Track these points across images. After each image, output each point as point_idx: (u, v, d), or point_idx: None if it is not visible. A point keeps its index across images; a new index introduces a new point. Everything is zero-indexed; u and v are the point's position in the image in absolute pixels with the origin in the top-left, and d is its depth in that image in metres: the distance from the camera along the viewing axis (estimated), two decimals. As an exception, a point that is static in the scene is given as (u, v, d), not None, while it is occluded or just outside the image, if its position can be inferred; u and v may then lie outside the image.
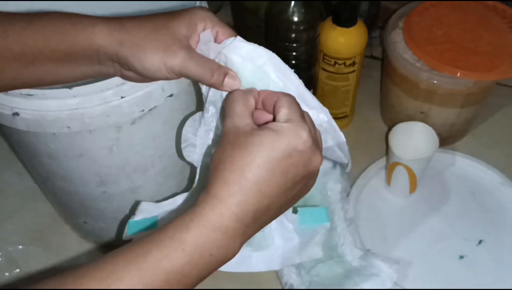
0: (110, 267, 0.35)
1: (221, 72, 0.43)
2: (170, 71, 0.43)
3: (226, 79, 0.43)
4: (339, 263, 0.61)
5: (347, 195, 0.69)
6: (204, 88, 0.47)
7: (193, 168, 0.52)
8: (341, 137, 0.47)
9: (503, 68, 0.66)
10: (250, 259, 0.48)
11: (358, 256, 0.61)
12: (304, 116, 0.40)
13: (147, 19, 0.44)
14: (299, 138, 0.38)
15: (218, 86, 0.44)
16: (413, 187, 0.70)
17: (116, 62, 0.44)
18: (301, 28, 0.64)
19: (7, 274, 0.67)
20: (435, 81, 0.67)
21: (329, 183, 0.67)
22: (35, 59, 0.43)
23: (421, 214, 0.70)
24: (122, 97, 0.48)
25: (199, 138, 0.49)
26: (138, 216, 0.51)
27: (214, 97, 0.46)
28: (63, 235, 0.70)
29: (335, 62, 0.70)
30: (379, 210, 0.70)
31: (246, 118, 0.40)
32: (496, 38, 0.69)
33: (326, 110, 0.45)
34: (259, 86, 0.44)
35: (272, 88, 0.44)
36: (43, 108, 0.47)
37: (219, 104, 0.47)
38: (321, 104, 0.45)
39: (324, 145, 0.45)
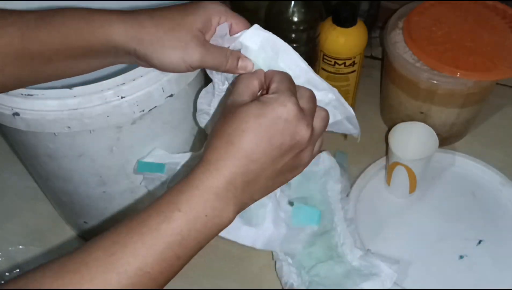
0: (114, 236, 0.37)
1: (234, 57, 0.46)
2: (189, 66, 0.45)
3: (240, 63, 0.46)
4: (339, 263, 0.61)
5: (347, 195, 0.69)
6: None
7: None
8: (350, 111, 0.49)
9: (503, 68, 0.66)
10: (238, 230, 0.50)
11: (358, 256, 0.61)
12: (292, 90, 0.42)
13: (163, 16, 0.45)
14: (283, 106, 0.40)
15: (233, 70, 0.46)
16: (413, 187, 0.70)
17: (133, 56, 0.45)
18: (301, 28, 0.64)
19: (7, 274, 0.67)
20: (435, 81, 0.67)
21: (329, 183, 0.67)
22: (53, 57, 0.44)
23: (421, 214, 0.70)
24: (122, 97, 0.48)
25: (212, 107, 0.51)
26: (148, 159, 0.55)
27: (230, 79, 0.48)
28: (63, 235, 0.70)
29: (335, 62, 0.70)
30: (379, 210, 0.70)
31: (245, 96, 0.42)
32: (496, 38, 0.69)
33: (335, 89, 0.47)
34: None
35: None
36: (43, 108, 0.47)
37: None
38: (330, 86, 0.47)
39: (333, 120, 0.48)
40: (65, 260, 0.37)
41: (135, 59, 0.46)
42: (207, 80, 0.52)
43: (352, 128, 0.51)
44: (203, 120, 0.52)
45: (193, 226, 0.38)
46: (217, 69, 0.46)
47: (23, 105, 0.47)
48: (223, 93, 0.51)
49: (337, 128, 0.51)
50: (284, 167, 0.42)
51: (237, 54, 0.46)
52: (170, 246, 0.38)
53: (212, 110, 0.52)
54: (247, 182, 0.40)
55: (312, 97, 0.43)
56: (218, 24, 0.46)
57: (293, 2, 0.63)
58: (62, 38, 0.43)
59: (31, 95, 0.47)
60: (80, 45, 0.44)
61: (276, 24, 0.65)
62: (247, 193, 0.41)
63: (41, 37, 0.43)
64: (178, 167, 0.54)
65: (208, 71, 0.50)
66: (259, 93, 0.45)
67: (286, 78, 0.43)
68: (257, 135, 0.39)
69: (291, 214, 0.53)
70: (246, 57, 0.46)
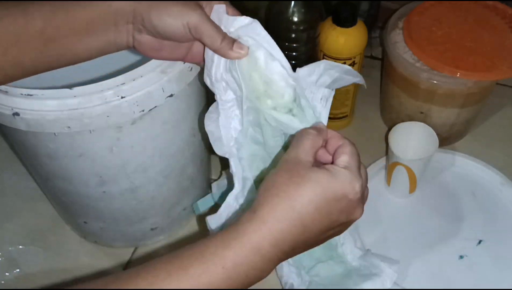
0: (151, 278, 0.36)
1: (230, 39, 0.45)
2: (186, 26, 0.44)
3: (235, 47, 0.45)
4: (339, 263, 0.61)
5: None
6: (213, 71, 0.48)
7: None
8: (344, 66, 0.49)
9: (503, 68, 0.66)
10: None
11: (358, 256, 0.61)
12: (360, 169, 0.42)
13: None
14: (352, 187, 0.40)
15: (225, 52, 0.45)
16: (413, 187, 0.70)
17: (130, 24, 0.44)
18: (301, 28, 0.64)
19: (7, 274, 0.67)
20: (435, 81, 0.67)
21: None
22: (55, 34, 0.43)
23: (421, 214, 0.70)
24: (122, 97, 0.48)
25: (222, 128, 0.49)
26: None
27: (227, 77, 0.47)
28: (63, 235, 0.70)
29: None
30: (379, 210, 0.70)
31: (310, 156, 0.41)
32: (496, 38, 0.69)
33: (326, 61, 0.48)
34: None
35: (260, 74, 0.46)
36: (43, 108, 0.47)
37: (235, 88, 0.48)
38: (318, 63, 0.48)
39: (332, 79, 0.48)
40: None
41: (132, 30, 0.45)
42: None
43: (352, 78, 0.50)
44: (218, 147, 0.50)
45: (231, 283, 0.38)
46: (212, 43, 0.45)
47: (23, 105, 0.47)
48: (229, 104, 0.49)
49: (340, 84, 0.50)
50: (328, 237, 0.43)
51: (233, 38, 0.46)
52: None
53: (222, 131, 0.50)
54: (294, 248, 0.40)
55: (365, 173, 0.44)
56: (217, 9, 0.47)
57: (293, 2, 0.63)
58: (64, 12, 0.43)
59: (31, 95, 0.47)
60: (81, 17, 0.43)
61: (276, 24, 0.65)
62: (290, 256, 0.41)
63: (45, 12, 0.43)
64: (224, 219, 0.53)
65: (208, 81, 0.49)
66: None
67: (356, 153, 0.43)
68: (320, 208, 0.39)
69: None
70: (243, 44, 0.45)
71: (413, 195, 0.72)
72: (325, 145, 0.44)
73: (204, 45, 0.46)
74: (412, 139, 0.69)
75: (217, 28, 0.45)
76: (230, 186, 0.55)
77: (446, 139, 0.77)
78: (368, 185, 0.72)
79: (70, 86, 0.47)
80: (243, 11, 0.87)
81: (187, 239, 0.69)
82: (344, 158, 0.42)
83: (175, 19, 0.43)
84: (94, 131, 0.50)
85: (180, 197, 0.66)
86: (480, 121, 0.80)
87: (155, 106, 0.51)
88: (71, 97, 0.47)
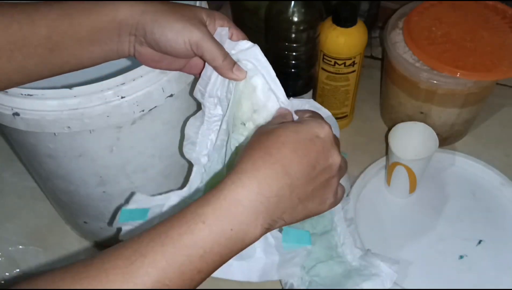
0: (136, 245, 0.36)
1: (231, 60, 0.46)
2: (187, 42, 0.44)
3: (235, 68, 0.46)
4: (339, 263, 0.61)
5: (347, 195, 0.69)
6: (208, 88, 0.48)
7: (191, 166, 0.53)
8: (326, 112, 0.51)
9: (503, 68, 0.66)
10: (230, 266, 0.46)
11: (358, 256, 0.61)
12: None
13: (170, 2, 0.46)
14: (321, 127, 0.41)
15: (226, 71, 0.46)
16: (413, 187, 0.70)
17: (133, 36, 0.45)
18: (301, 28, 0.64)
19: (7, 274, 0.67)
20: (435, 81, 0.67)
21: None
22: (60, 42, 0.44)
23: (421, 214, 0.70)
24: (122, 97, 0.48)
25: (200, 135, 0.50)
26: (131, 205, 0.52)
27: (223, 96, 0.48)
28: (63, 235, 0.70)
29: (335, 62, 0.70)
30: (379, 210, 0.70)
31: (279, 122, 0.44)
32: (496, 38, 0.69)
33: (312, 101, 0.50)
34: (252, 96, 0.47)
35: (255, 101, 0.48)
36: (43, 108, 0.47)
37: (224, 106, 0.48)
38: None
39: None
40: (85, 265, 0.36)
41: (134, 42, 0.46)
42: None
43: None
44: (189, 150, 0.51)
45: (217, 240, 0.36)
46: (213, 60, 0.45)
47: (23, 105, 0.47)
48: (215, 118, 0.49)
49: None
50: (315, 192, 0.42)
51: (234, 60, 0.47)
52: (191, 259, 0.36)
53: (199, 138, 0.50)
54: (279, 197, 0.39)
55: (338, 137, 0.45)
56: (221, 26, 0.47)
57: (293, 2, 0.63)
58: (70, 20, 0.44)
59: (31, 95, 0.47)
60: (87, 25, 0.44)
61: (276, 24, 0.65)
62: (278, 209, 0.39)
63: (51, 20, 0.43)
64: (164, 209, 0.52)
65: (199, 95, 0.49)
66: None
67: (317, 113, 0.45)
68: (296, 149, 0.39)
69: (282, 238, 0.50)
70: (241, 68, 0.46)
71: (413, 195, 0.72)
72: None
73: (205, 61, 0.47)
74: (412, 139, 0.69)
75: (219, 46, 0.46)
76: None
77: (446, 139, 0.77)
78: (368, 185, 0.73)
79: (70, 86, 0.47)
80: (243, 11, 0.88)
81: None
82: (307, 114, 0.45)
83: (177, 35, 0.44)
84: (94, 131, 0.50)
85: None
86: (480, 121, 0.80)
87: (155, 106, 0.51)
88: (71, 97, 0.47)
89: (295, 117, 0.47)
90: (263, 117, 0.48)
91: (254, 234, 0.38)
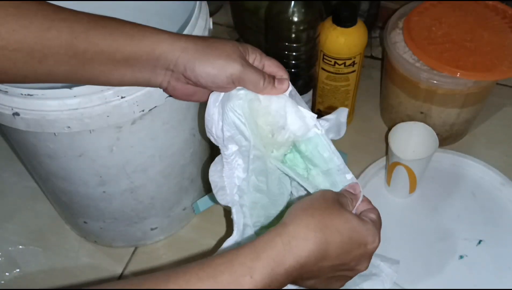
0: (183, 283, 0.37)
1: (270, 78, 0.48)
2: (229, 77, 0.46)
3: (276, 84, 0.48)
4: (339, 263, 0.61)
5: (347, 195, 0.69)
6: (214, 130, 0.49)
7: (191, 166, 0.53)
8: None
9: (503, 68, 0.66)
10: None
11: (358, 256, 0.61)
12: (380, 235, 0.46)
13: (208, 39, 0.48)
14: (373, 240, 0.44)
15: (269, 92, 0.48)
16: (413, 187, 0.70)
17: (170, 71, 0.46)
18: (301, 28, 0.64)
19: (7, 274, 0.67)
20: (435, 81, 0.67)
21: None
22: (94, 59, 0.44)
23: (421, 214, 0.70)
24: (122, 97, 0.48)
25: (226, 178, 0.51)
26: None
27: (230, 132, 0.48)
28: (63, 235, 0.70)
29: (335, 62, 0.70)
30: (379, 210, 0.70)
31: (344, 203, 0.46)
32: (496, 38, 0.69)
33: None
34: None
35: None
36: (43, 108, 0.47)
37: (241, 139, 0.49)
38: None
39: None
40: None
41: (170, 77, 0.47)
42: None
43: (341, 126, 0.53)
44: (221, 196, 0.51)
45: None
46: (254, 87, 0.47)
47: (23, 105, 0.47)
48: (231, 157, 0.50)
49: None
50: (330, 280, 0.45)
51: (272, 75, 0.48)
52: None
53: (226, 181, 0.51)
54: (308, 273, 0.42)
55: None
56: (254, 60, 0.49)
57: (293, 2, 0.63)
58: (110, 41, 0.44)
59: (31, 95, 0.47)
60: (126, 51, 0.44)
61: (276, 24, 0.65)
62: (301, 280, 0.43)
63: (91, 36, 0.43)
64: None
65: (212, 139, 0.50)
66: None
67: (380, 217, 0.48)
68: (344, 243, 0.42)
69: None
70: (282, 78, 0.48)
71: (413, 195, 0.72)
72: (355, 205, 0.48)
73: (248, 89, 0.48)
74: (412, 139, 0.69)
75: (257, 72, 0.47)
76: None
77: (446, 139, 0.77)
78: (368, 185, 0.72)
79: (70, 86, 0.47)
80: (243, 11, 0.88)
81: (187, 239, 0.69)
82: (373, 216, 0.46)
83: (220, 71, 0.46)
84: (94, 131, 0.50)
85: (180, 197, 0.66)
86: (480, 121, 0.80)
87: (155, 106, 0.51)
88: (71, 97, 0.47)
89: (359, 202, 0.48)
90: (288, 122, 0.49)
91: (280, 288, 0.41)
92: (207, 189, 0.72)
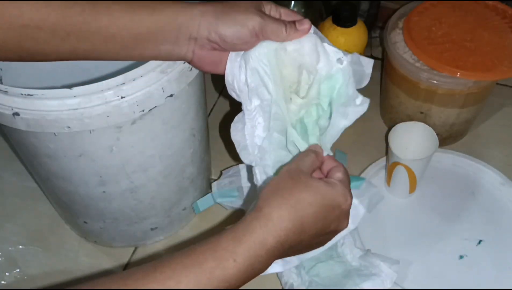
0: (169, 271, 0.38)
1: (290, 24, 0.48)
2: (252, 30, 0.47)
3: (298, 26, 0.48)
4: (339, 263, 0.61)
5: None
6: (235, 84, 0.49)
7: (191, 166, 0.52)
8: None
9: (503, 68, 0.66)
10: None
11: (358, 256, 0.61)
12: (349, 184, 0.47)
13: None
14: (345, 199, 0.45)
15: (293, 34, 0.49)
16: (413, 187, 0.70)
17: (193, 39, 0.47)
18: (301, 28, 0.64)
19: (7, 274, 0.67)
20: (435, 81, 0.67)
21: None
22: (117, 34, 0.45)
23: (421, 214, 0.70)
24: (122, 97, 0.48)
25: (248, 136, 0.51)
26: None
27: (254, 83, 0.48)
28: (63, 235, 0.70)
29: (335, 62, 0.70)
30: (379, 210, 0.70)
31: (309, 170, 0.46)
32: (496, 38, 0.69)
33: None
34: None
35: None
36: (43, 108, 0.47)
37: (264, 92, 0.49)
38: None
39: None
40: (114, 281, 0.38)
41: (193, 45, 0.47)
42: (208, 83, 0.52)
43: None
44: (244, 155, 0.51)
45: (241, 276, 0.40)
46: (277, 36, 0.48)
47: (23, 105, 0.47)
48: (253, 113, 0.50)
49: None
50: (317, 244, 0.47)
51: (292, 19, 0.49)
52: None
53: (248, 140, 0.51)
54: (291, 247, 0.43)
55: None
56: (270, 11, 0.49)
57: (293, 2, 0.63)
58: (131, 15, 0.45)
59: (31, 95, 0.47)
60: (145, 25, 0.45)
61: (276, 24, 0.65)
62: (286, 254, 0.44)
63: (112, 13, 0.44)
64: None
65: (234, 95, 0.50)
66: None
67: (348, 175, 0.48)
68: (318, 212, 0.43)
69: None
70: (302, 19, 0.49)
71: (413, 195, 0.72)
72: (320, 167, 0.49)
73: (271, 39, 0.48)
74: (412, 139, 0.69)
75: (277, 21, 0.48)
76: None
77: (446, 139, 0.77)
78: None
79: (70, 86, 0.47)
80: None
81: (187, 239, 0.69)
82: (339, 175, 0.47)
83: (242, 26, 0.46)
84: (94, 131, 0.50)
85: (180, 197, 0.66)
86: (480, 121, 0.80)
87: (155, 106, 0.51)
88: (71, 97, 0.47)
89: (327, 162, 0.49)
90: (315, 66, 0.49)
91: (264, 270, 0.43)
92: (207, 189, 0.72)
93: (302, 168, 0.46)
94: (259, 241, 0.41)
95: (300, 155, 0.48)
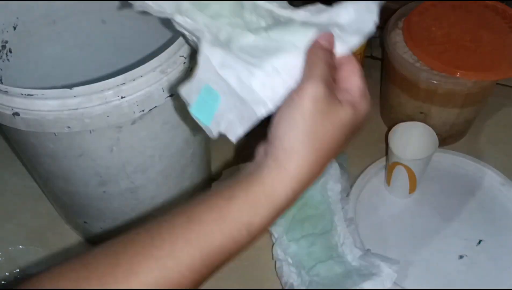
0: (167, 235, 0.35)
1: None
2: None
3: None
4: (339, 263, 0.61)
5: (347, 195, 0.69)
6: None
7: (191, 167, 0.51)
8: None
9: (503, 68, 0.66)
10: None
11: (358, 256, 0.61)
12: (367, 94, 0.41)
13: None
14: (364, 120, 0.40)
15: None
16: (412, 187, 0.70)
17: None
18: (301, 28, 0.64)
19: (7, 274, 0.67)
20: (435, 81, 0.67)
21: (329, 183, 0.67)
22: None
23: (421, 214, 0.70)
24: (122, 97, 0.48)
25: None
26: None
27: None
28: (63, 235, 0.70)
29: (335, 62, 0.70)
30: (379, 210, 0.70)
31: (331, 84, 0.38)
32: (496, 38, 0.69)
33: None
34: None
35: None
36: (43, 108, 0.47)
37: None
38: None
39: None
40: (111, 263, 0.35)
41: None
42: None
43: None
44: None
45: (251, 239, 0.37)
46: None
47: (23, 105, 0.47)
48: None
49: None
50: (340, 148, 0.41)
51: None
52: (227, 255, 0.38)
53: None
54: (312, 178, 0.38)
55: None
56: None
57: (293, 2, 0.63)
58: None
59: (31, 95, 0.47)
60: None
61: (276, 24, 0.65)
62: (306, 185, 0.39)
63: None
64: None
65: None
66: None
67: (362, 72, 0.41)
68: (339, 141, 0.38)
69: None
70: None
71: (413, 195, 0.72)
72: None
73: None
74: (412, 139, 0.69)
75: None
76: None
77: (446, 139, 0.77)
78: (368, 185, 0.72)
79: (70, 86, 0.47)
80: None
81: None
82: (358, 82, 0.40)
83: None
84: (94, 131, 0.50)
85: (180, 197, 0.66)
86: (480, 121, 0.80)
87: (155, 106, 0.51)
88: (71, 97, 0.47)
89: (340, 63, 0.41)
90: None
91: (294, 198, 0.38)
92: (207, 189, 0.72)
93: (324, 91, 0.37)
94: (275, 204, 0.36)
95: (311, 60, 0.38)
